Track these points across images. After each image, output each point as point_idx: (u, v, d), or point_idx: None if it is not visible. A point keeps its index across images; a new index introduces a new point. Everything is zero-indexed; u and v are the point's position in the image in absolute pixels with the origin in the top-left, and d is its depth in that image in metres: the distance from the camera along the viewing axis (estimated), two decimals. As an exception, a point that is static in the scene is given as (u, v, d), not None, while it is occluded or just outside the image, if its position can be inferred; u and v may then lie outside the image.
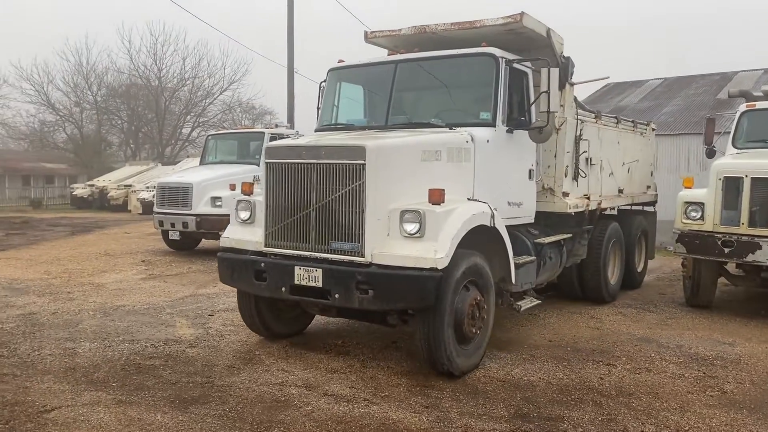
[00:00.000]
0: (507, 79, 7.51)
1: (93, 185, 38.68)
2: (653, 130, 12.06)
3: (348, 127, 7.99)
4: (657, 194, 12.30)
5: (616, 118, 10.46)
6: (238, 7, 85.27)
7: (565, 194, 8.60)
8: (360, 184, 6.36)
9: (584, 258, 9.74)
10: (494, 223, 6.92)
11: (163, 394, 6.01)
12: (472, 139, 7.14)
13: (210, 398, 5.94)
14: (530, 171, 8.07)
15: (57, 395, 5.93)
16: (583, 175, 8.93)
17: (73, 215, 32.54)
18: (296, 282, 6.66)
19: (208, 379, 6.47)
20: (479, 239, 6.91)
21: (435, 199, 6.38)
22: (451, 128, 7.26)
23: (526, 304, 7.71)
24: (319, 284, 6.53)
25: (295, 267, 6.66)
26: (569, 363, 7.20)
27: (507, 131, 7.53)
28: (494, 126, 7.36)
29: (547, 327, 8.84)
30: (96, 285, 11.72)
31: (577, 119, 8.79)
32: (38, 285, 11.59)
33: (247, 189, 7.51)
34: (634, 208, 11.83)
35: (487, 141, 7.28)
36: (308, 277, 6.59)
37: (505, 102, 7.50)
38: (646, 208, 12.22)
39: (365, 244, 6.38)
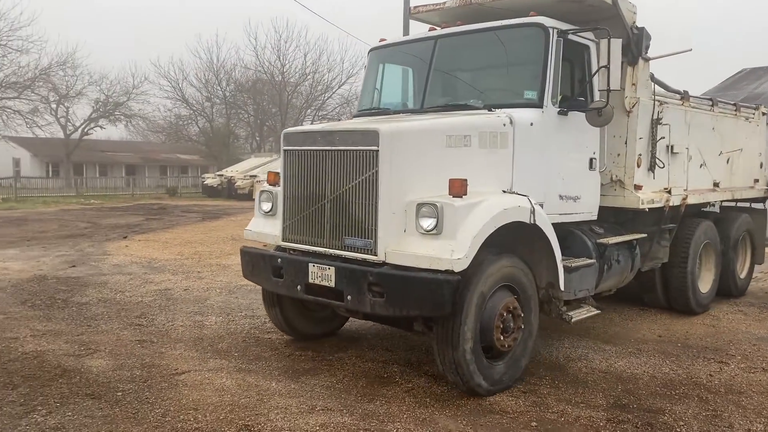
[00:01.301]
0: (559, 52, 6.35)
1: (222, 175, 40.00)
2: (764, 114, 10.21)
3: (383, 112, 7.09)
4: (768, 189, 10.46)
5: (710, 99, 8.87)
6: (354, 3, 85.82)
7: (638, 187, 7.27)
8: (373, 173, 5.49)
9: (666, 262, 8.31)
10: (535, 220, 5.81)
11: (278, 365, 6.43)
12: (511, 122, 6.04)
13: (320, 370, 6.28)
14: (591, 160, 6.83)
15: (187, 361, 6.50)
16: (662, 166, 7.53)
17: (204, 203, 34.23)
18: (310, 280, 5.90)
19: (319, 354, 6.78)
20: (520, 238, 5.92)
21: (456, 191, 5.39)
22: (490, 110, 6.21)
23: (579, 314, 6.50)
24: (332, 284, 5.73)
25: (309, 264, 5.89)
26: (677, 358, 6.90)
27: (559, 113, 6.37)
28: (541, 107, 6.22)
29: (657, 322, 8.41)
30: (222, 266, 12.38)
31: (654, 100, 7.40)
32: (172, 264, 12.48)
33: (272, 179, 6.81)
34: (739, 204, 10.14)
35: (531, 124, 6.16)
36: (322, 275, 5.81)
37: (557, 79, 6.35)
38: (755, 205, 10.45)
39: (378, 240, 5.51)
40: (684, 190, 8.09)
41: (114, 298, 9.31)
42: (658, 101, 7.50)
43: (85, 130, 49.80)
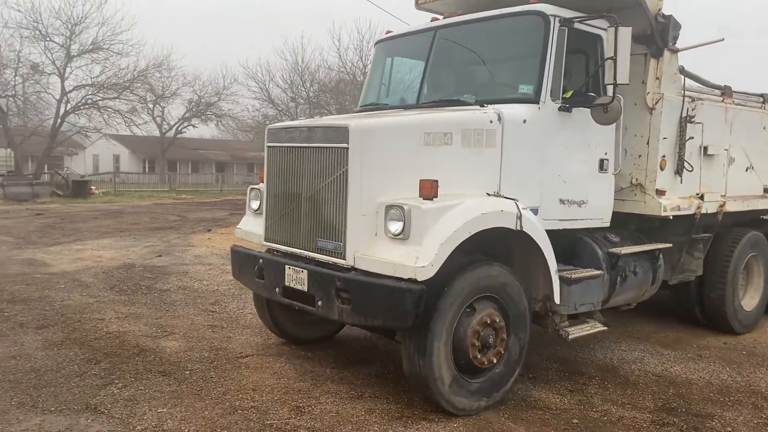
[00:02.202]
0: (563, 43, 5.68)
1: (306, 173, 40.46)
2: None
3: (381, 107, 6.62)
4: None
5: (761, 96, 7.83)
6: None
7: (660, 192, 6.45)
8: (344, 172, 5.05)
9: (700, 275, 7.41)
10: (522, 226, 5.20)
11: (333, 353, 6.59)
12: (500, 119, 5.43)
13: (372, 361, 6.43)
14: (602, 161, 6.11)
15: (251, 346, 6.81)
16: (690, 169, 6.66)
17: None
18: (286, 283, 5.54)
19: (374, 345, 6.92)
20: (515, 246, 5.44)
21: (426, 193, 4.88)
22: (482, 106, 5.63)
23: (579, 331, 5.80)
24: (305, 288, 5.35)
25: (286, 266, 5.53)
26: (739, 366, 6.68)
27: (560, 109, 5.70)
28: (538, 102, 5.58)
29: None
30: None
31: (684, 96, 6.56)
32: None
33: (263, 176, 6.49)
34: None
35: (524, 121, 5.53)
36: (296, 278, 5.45)
37: (559, 73, 5.69)
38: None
39: (347, 244, 5.08)
40: (721, 196, 7.16)
41: (192, 286, 9.80)
42: (689, 97, 6.65)
43: (179, 129, 51.69)
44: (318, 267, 5.25)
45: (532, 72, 5.62)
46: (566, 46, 5.73)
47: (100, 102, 39.67)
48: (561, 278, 5.62)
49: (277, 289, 5.64)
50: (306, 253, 5.46)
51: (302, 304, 5.45)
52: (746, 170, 7.56)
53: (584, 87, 5.77)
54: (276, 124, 6.11)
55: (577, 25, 5.75)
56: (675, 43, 6.43)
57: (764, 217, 8.92)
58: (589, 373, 6.27)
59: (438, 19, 6.41)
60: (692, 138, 6.59)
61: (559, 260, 6.13)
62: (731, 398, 5.76)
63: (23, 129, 38.29)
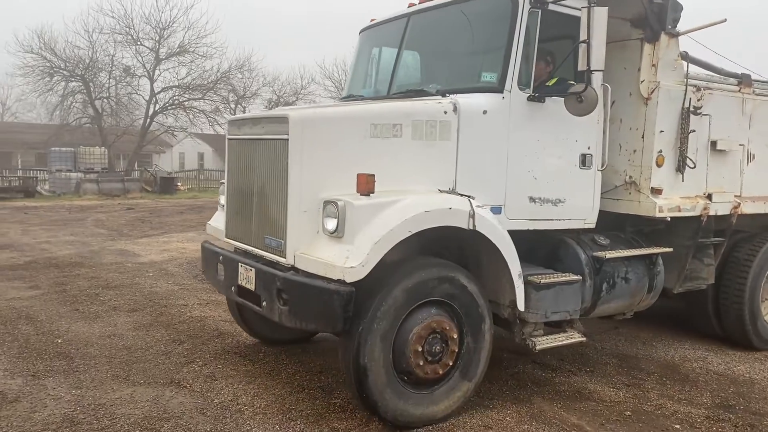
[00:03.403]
0: (535, 26, 5.07)
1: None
2: None
3: (357, 99, 6.17)
4: None
5: (791, 86, 6.85)
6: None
7: (656, 191, 5.70)
8: (285, 165, 4.67)
9: (712, 283, 6.55)
10: (475, 225, 4.66)
11: None
12: (455, 109, 4.89)
13: None
14: (584, 156, 5.44)
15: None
16: (692, 165, 5.85)
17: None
18: (239, 282, 5.22)
19: None
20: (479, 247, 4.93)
21: (362, 188, 4.44)
22: (444, 95, 5.10)
23: (547, 342, 5.17)
24: (253, 287, 5.02)
25: (239, 264, 5.22)
26: None
27: (530, 99, 5.09)
28: (501, 91, 5.00)
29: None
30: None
31: (686, 85, 5.76)
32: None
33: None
34: None
35: (484, 112, 4.96)
36: (246, 277, 5.12)
37: (529, 59, 5.08)
38: None
39: (287, 241, 4.70)
40: (736, 196, 6.28)
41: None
42: (694, 86, 5.84)
43: (261, 128, 52.63)
44: (264, 266, 4.90)
45: (496, 59, 5.04)
46: (542, 30, 5.11)
47: (186, 102, 40.97)
48: (530, 283, 5.04)
49: (232, 288, 5.34)
50: (256, 250, 5.13)
51: (252, 304, 5.11)
52: (770, 168, 6.62)
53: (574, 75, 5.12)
54: (238, 115, 5.79)
55: (553, 7, 5.12)
56: (675, 26, 5.67)
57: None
58: (648, 369, 6.18)
59: (414, 5, 5.90)
60: (694, 131, 5.77)
61: (540, 263, 5.60)
62: None
63: (116, 128, 40.05)
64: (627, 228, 6.07)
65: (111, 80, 38.67)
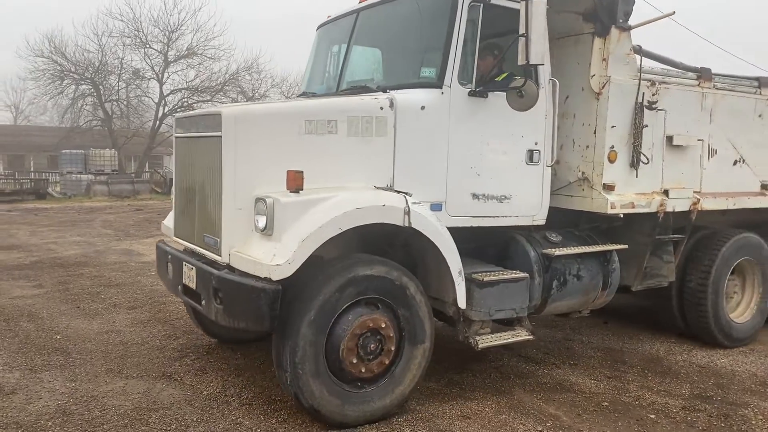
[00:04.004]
0: (476, 21, 4.96)
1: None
2: None
3: (310, 96, 6.08)
4: None
5: (757, 80, 6.62)
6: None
7: (609, 187, 5.54)
8: (219, 162, 4.60)
9: (676, 281, 6.39)
10: (411, 222, 4.55)
11: None
12: (391, 105, 4.79)
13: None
14: (531, 152, 5.31)
15: None
16: (645, 161, 5.69)
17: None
18: (183, 281, 5.16)
19: None
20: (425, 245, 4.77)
21: (291, 185, 4.36)
22: (385, 91, 4.99)
23: (491, 340, 5.05)
24: (194, 286, 4.95)
25: (183, 263, 5.15)
26: None
27: (471, 94, 4.97)
28: (440, 87, 4.88)
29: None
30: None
31: (640, 79, 5.61)
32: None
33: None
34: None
35: (422, 108, 4.85)
36: (189, 276, 5.06)
37: (472, 54, 4.96)
38: None
39: (223, 239, 4.63)
40: (695, 192, 6.10)
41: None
42: (648, 81, 5.69)
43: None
44: (203, 264, 4.83)
45: (436, 54, 4.93)
46: (487, 25, 5.01)
47: (195, 104, 41.05)
48: (472, 280, 4.93)
49: (179, 287, 5.27)
50: (198, 249, 5.07)
51: (194, 303, 5.04)
52: (734, 164, 6.43)
53: (498, 70, 5.01)
54: (184, 113, 5.74)
55: (494, 1, 5.00)
56: (627, 19, 5.52)
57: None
58: (631, 362, 6.21)
59: (364, 0, 5.80)
60: (647, 126, 5.61)
61: (491, 261, 5.50)
62: None
63: (126, 130, 40.24)
64: (582, 225, 5.92)
65: (121, 83, 38.87)
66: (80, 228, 16.44)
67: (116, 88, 39.03)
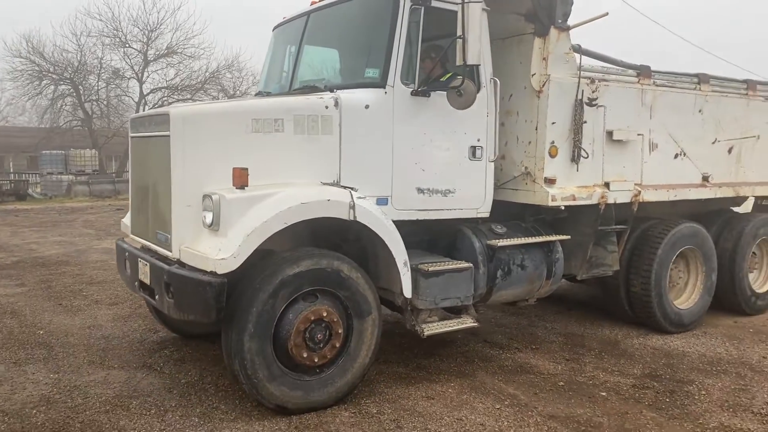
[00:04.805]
0: (417, 23, 5.15)
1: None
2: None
3: (265, 95, 6.23)
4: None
5: (697, 77, 6.87)
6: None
7: (550, 181, 5.76)
8: (168, 161, 4.74)
9: (623, 270, 6.63)
10: (356, 216, 4.73)
11: None
12: (336, 104, 4.96)
13: (394, 333, 6.62)
14: (474, 148, 5.51)
15: None
16: (585, 156, 5.90)
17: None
18: (139, 277, 5.29)
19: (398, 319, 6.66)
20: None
21: (236, 181, 4.52)
22: (332, 91, 5.15)
23: (437, 327, 5.26)
24: (149, 281, 5.09)
25: (139, 259, 5.29)
26: (740, 342, 6.73)
27: (413, 94, 5.16)
28: (384, 86, 5.06)
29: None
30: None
31: (579, 77, 5.81)
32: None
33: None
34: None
35: (366, 107, 5.03)
36: (144, 272, 5.20)
37: (414, 55, 5.14)
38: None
39: (173, 235, 4.79)
40: (636, 184, 6.32)
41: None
42: (588, 78, 5.90)
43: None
44: (156, 260, 4.97)
45: (380, 55, 5.11)
46: (431, 27, 5.20)
47: (176, 104, 40.89)
48: (418, 271, 5.12)
49: (135, 283, 5.41)
50: (152, 245, 5.21)
51: (150, 298, 5.18)
52: (675, 157, 6.66)
53: (440, 70, 5.18)
54: (138, 113, 5.87)
55: (435, 4, 5.19)
56: (566, 20, 5.73)
57: (736, 210, 8.02)
58: (590, 346, 6.46)
59: (316, 2, 5.95)
60: (586, 122, 5.82)
61: (441, 253, 5.69)
62: (718, 368, 5.88)
63: (106, 130, 39.95)
64: (528, 217, 6.13)
65: (100, 83, 38.66)
66: (61, 228, 16.50)
67: (96, 87, 38.80)
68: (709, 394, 5.24)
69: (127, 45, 38.18)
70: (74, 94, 37.89)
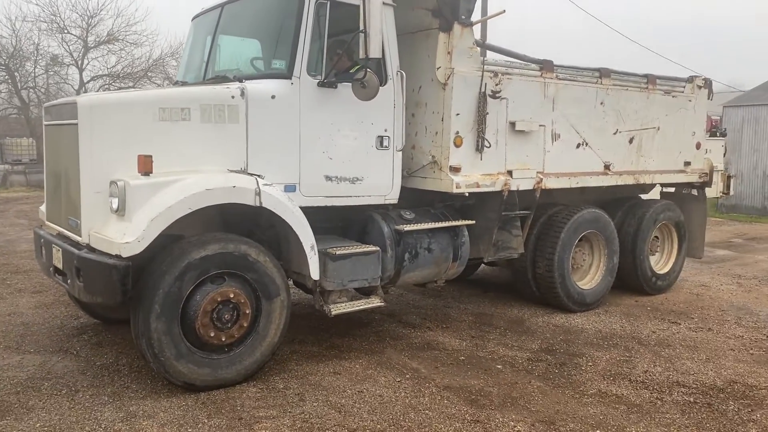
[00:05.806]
0: (323, 16, 5.39)
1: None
2: (701, 87, 8.34)
3: (179, 85, 6.37)
4: (710, 174, 8.58)
5: (598, 71, 7.30)
6: None
7: (455, 169, 6.08)
8: (76, 149, 4.86)
9: (529, 253, 7.04)
10: (262, 202, 4.94)
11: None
12: (242, 94, 5.15)
13: (312, 316, 6.81)
14: (382, 138, 5.79)
15: None
16: (488, 145, 6.25)
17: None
18: (53, 262, 5.39)
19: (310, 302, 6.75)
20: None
21: (141, 168, 4.69)
22: (241, 81, 5.34)
23: (344, 308, 5.55)
24: (62, 266, 5.19)
25: (53, 245, 5.38)
26: (635, 319, 7.18)
27: (320, 85, 5.39)
28: (290, 78, 5.28)
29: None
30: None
31: (483, 71, 6.14)
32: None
33: None
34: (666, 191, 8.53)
35: (273, 97, 5.24)
36: (57, 257, 5.30)
37: (320, 48, 5.37)
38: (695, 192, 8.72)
39: (83, 221, 4.93)
40: (539, 172, 6.72)
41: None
42: (491, 72, 6.23)
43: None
44: (68, 245, 5.08)
45: (286, 47, 5.33)
46: (338, 21, 5.42)
47: (117, 91, 39.94)
48: (326, 254, 5.37)
49: (50, 269, 5.50)
50: (65, 231, 5.32)
51: (62, 283, 5.29)
52: (578, 147, 7.08)
53: (347, 62, 5.43)
54: (50, 102, 5.94)
55: (339, -1, 5.42)
56: (469, 16, 6.04)
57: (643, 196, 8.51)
58: (496, 324, 6.84)
59: None
60: (489, 114, 6.16)
61: (354, 238, 5.95)
62: (609, 342, 6.32)
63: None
64: (437, 203, 6.44)
65: (38, 69, 37.49)
66: (-8, 218, 16.14)
67: (33, 74, 37.63)
68: (595, 365, 5.66)
69: (66, 31, 37.12)
70: (9, 81, 36.66)
